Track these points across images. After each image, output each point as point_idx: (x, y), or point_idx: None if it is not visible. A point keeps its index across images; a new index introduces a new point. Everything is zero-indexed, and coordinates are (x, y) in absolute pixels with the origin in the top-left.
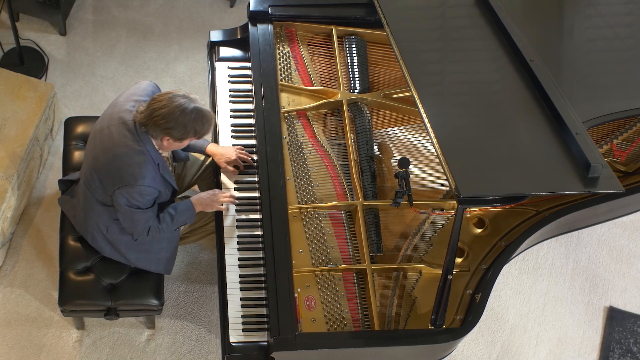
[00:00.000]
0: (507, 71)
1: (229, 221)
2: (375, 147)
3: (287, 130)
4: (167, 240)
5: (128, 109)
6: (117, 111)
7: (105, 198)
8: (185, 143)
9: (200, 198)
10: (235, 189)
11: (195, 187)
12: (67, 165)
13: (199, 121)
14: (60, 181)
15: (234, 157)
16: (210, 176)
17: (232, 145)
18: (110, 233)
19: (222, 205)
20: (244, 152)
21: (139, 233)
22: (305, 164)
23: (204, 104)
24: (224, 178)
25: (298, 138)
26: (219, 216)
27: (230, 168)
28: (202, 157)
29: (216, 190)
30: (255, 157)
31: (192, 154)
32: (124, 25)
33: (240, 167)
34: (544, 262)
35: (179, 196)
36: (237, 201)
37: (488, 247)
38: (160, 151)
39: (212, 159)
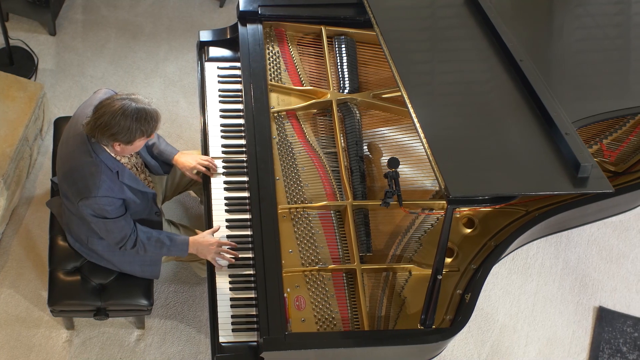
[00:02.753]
0: (497, 71)
1: (218, 222)
2: (365, 147)
3: (277, 130)
4: (150, 253)
5: (84, 121)
6: (74, 123)
7: (77, 211)
8: (139, 144)
9: (197, 242)
10: (225, 189)
11: (192, 193)
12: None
13: (143, 121)
14: (53, 180)
15: (192, 164)
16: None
17: (221, 145)
18: (91, 244)
19: (217, 259)
20: (205, 158)
21: (118, 242)
22: (294, 164)
23: (149, 101)
24: (214, 183)
25: (287, 138)
26: (208, 216)
27: (195, 177)
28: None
29: (214, 241)
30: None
31: (187, 155)
32: (113, 25)
33: (208, 173)
34: (534, 262)
35: (172, 198)
36: (234, 260)
37: (477, 247)
38: (118, 157)
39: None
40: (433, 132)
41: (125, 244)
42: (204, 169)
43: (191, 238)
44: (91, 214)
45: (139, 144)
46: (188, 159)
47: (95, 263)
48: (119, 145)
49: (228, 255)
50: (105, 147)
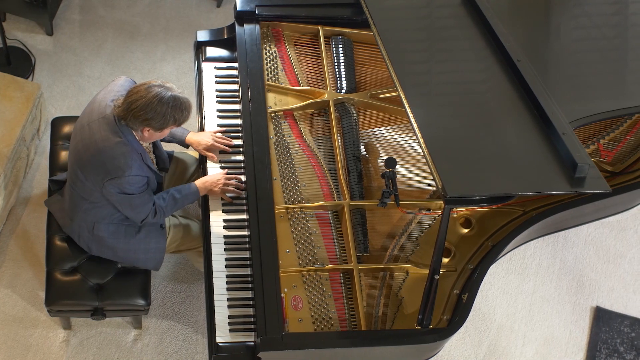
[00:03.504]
0: (494, 71)
1: (215, 222)
2: (362, 147)
3: (274, 131)
4: (154, 241)
5: (107, 104)
6: (97, 107)
7: (90, 195)
8: (166, 132)
9: (205, 182)
10: (220, 160)
11: None
12: (54, 165)
13: (178, 109)
14: (51, 180)
15: (210, 142)
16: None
17: (220, 157)
18: (96, 230)
19: (227, 194)
20: (219, 135)
21: (143, 216)
22: (292, 164)
23: (181, 91)
24: (209, 166)
25: (285, 138)
26: (205, 216)
27: (210, 154)
28: (196, 162)
29: (220, 176)
30: (243, 178)
31: (186, 153)
32: (110, 25)
33: (227, 149)
34: (531, 262)
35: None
36: (243, 187)
37: (475, 247)
38: (141, 142)
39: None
40: (430, 132)
41: (147, 216)
42: (222, 146)
43: (197, 182)
44: (118, 192)
45: (166, 132)
46: (203, 137)
47: (92, 263)
48: (149, 131)
49: (234, 187)
50: (132, 130)
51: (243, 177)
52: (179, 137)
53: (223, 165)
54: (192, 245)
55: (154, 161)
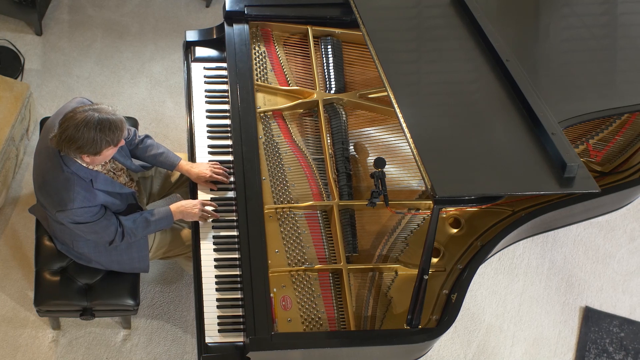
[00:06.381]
0: (483, 71)
1: (205, 222)
2: (351, 147)
3: (263, 131)
4: (136, 250)
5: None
6: (45, 136)
7: (57, 218)
8: (108, 153)
9: (180, 207)
10: (212, 189)
11: (179, 196)
12: None
13: (107, 131)
14: None
15: (208, 174)
16: (188, 182)
17: (208, 146)
18: (77, 248)
19: (201, 217)
20: (217, 166)
21: (108, 239)
22: (281, 164)
23: (114, 110)
24: (200, 186)
25: (274, 138)
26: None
27: (212, 186)
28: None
29: (197, 201)
30: (232, 178)
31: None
32: (99, 25)
33: (225, 181)
34: (520, 262)
35: (159, 200)
36: (218, 215)
37: (464, 247)
38: (91, 166)
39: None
40: (419, 132)
41: (114, 239)
42: (220, 178)
43: (172, 206)
44: (71, 222)
45: (108, 153)
46: (201, 168)
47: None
48: (88, 157)
49: (211, 209)
50: (75, 159)
51: (232, 177)
52: (169, 163)
53: (214, 196)
54: (180, 251)
55: (121, 179)
